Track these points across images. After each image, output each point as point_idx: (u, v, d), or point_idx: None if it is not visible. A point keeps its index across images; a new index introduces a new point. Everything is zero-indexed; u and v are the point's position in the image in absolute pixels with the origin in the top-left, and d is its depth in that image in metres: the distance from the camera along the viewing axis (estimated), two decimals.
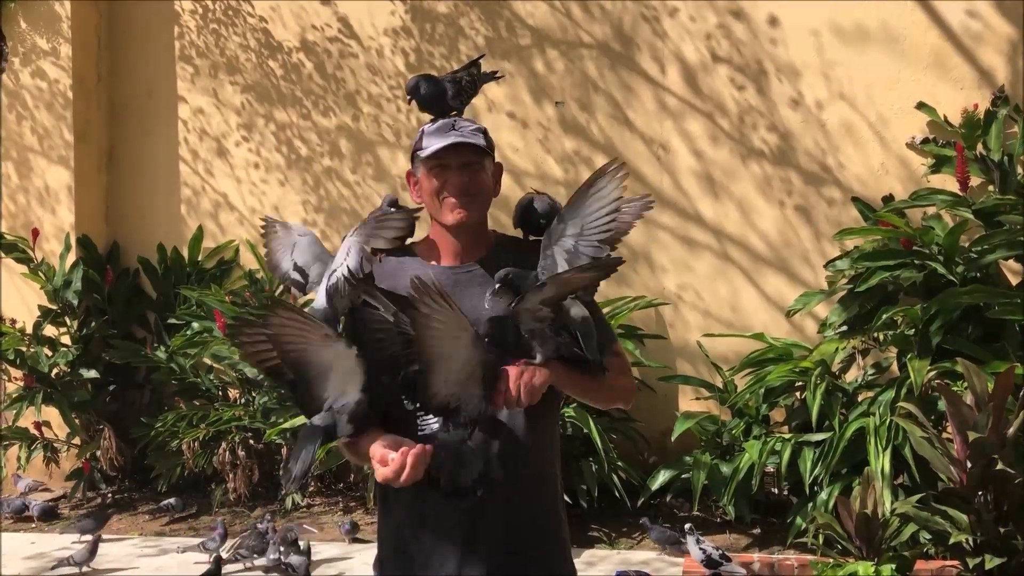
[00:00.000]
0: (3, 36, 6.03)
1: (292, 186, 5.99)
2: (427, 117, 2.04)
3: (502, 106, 5.62)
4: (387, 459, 1.79)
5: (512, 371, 1.82)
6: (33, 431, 5.70)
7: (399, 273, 1.97)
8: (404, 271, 1.97)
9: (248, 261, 5.98)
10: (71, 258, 5.82)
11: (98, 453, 5.72)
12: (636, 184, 5.55)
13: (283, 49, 5.99)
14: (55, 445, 5.74)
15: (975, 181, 4.81)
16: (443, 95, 1.98)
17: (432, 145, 1.93)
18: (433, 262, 2.00)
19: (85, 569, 4.52)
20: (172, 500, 5.37)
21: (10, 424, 5.72)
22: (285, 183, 6.00)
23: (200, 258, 6.03)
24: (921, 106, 5.05)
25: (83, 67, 6.05)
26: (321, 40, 5.93)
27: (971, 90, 5.06)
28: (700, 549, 3.82)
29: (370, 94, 5.88)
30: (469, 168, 1.94)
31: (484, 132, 1.98)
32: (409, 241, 2.05)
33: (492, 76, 2.11)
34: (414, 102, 2.01)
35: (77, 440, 5.80)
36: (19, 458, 5.64)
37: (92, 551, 4.53)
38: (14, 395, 5.66)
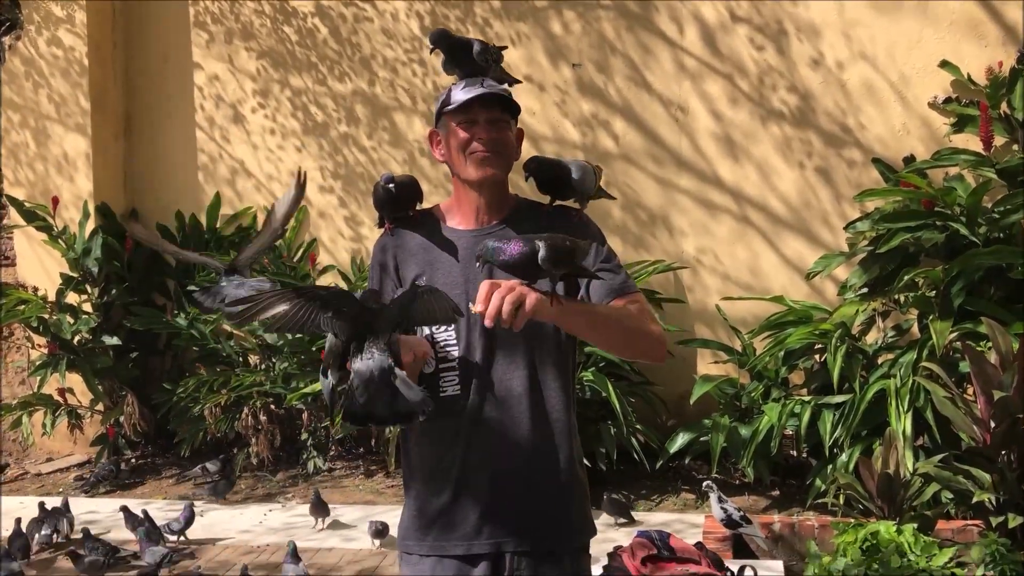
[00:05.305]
0: (18, 3, 6.01)
1: (309, 152, 5.98)
2: (448, 80, 2.04)
3: (518, 69, 5.56)
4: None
5: (503, 284, 1.72)
6: (57, 397, 5.77)
7: (415, 236, 2.01)
8: (422, 233, 1.99)
9: None
10: (90, 226, 5.84)
11: (121, 419, 5.78)
12: (654, 146, 5.52)
13: (298, 14, 5.95)
14: (79, 411, 5.80)
15: (999, 141, 4.74)
16: (468, 45, 1.98)
17: (461, 97, 1.94)
18: (452, 224, 2.01)
19: (180, 538, 4.47)
20: (208, 464, 5.24)
21: (35, 391, 5.78)
22: (302, 149, 5.99)
23: (218, 225, 6.04)
24: (944, 65, 4.98)
25: (99, 34, 6.02)
26: (336, 5, 5.89)
27: (995, 48, 4.98)
28: (722, 508, 3.84)
29: (385, 58, 5.85)
30: (496, 124, 1.95)
31: (510, 95, 1.98)
32: (421, 208, 2.07)
33: (513, 80, 2.08)
34: (439, 54, 2.01)
35: (101, 406, 5.86)
36: (44, 424, 5.71)
37: (189, 519, 4.46)
38: (38, 362, 5.72)
